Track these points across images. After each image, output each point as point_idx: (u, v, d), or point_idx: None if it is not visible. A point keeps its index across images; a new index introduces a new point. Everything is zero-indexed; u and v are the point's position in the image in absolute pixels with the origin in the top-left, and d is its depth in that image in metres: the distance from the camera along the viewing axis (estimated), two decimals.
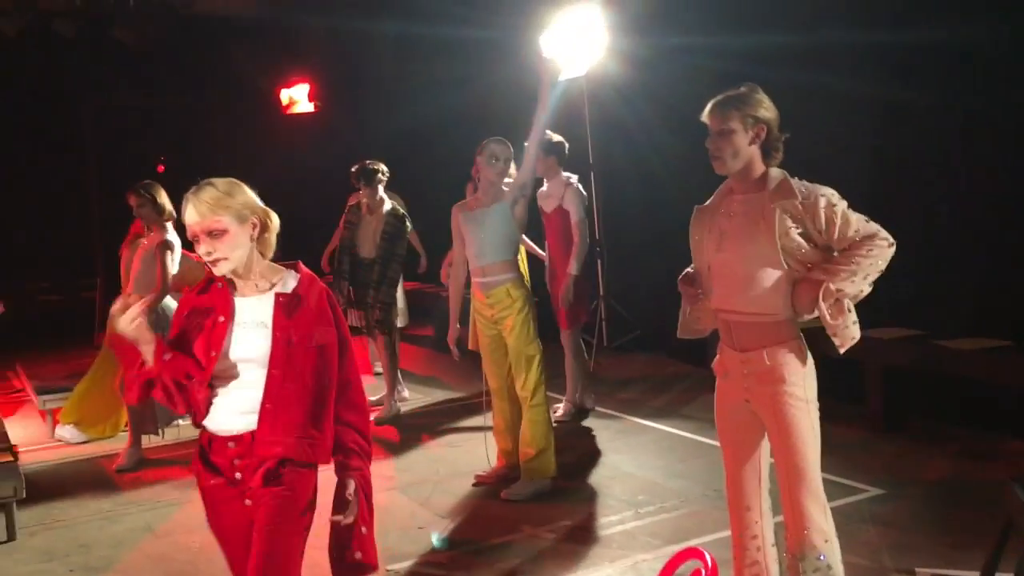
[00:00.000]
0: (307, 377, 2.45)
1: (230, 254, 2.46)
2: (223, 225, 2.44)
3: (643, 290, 8.19)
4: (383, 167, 6.45)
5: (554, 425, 5.75)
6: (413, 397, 6.92)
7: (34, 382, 6.93)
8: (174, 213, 5.66)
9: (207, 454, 2.53)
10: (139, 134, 11.02)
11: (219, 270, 2.48)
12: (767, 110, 2.84)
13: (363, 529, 2.50)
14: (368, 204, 6.47)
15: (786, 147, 2.88)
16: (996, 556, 3.30)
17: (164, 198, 5.60)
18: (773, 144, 2.85)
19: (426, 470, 5.35)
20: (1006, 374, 4.93)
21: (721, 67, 5.72)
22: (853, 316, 2.84)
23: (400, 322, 7.02)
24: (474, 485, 5.01)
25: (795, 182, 2.82)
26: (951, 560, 3.66)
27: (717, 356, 3.05)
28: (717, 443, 5.40)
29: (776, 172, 2.86)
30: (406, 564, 4.03)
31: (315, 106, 11.65)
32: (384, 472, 5.35)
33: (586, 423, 6.04)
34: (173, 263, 5.54)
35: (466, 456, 5.50)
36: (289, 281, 2.55)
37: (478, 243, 4.82)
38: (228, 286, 2.52)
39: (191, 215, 2.45)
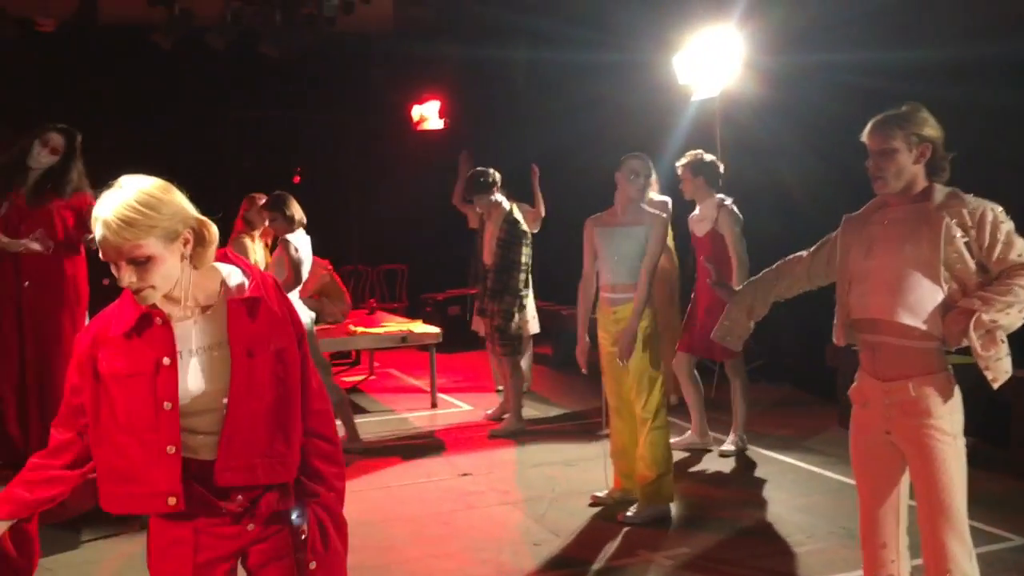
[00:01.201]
0: (268, 388, 2.06)
1: (158, 282, 1.98)
2: (147, 251, 1.94)
3: (769, 318, 7.93)
4: (492, 174, 6.35)
5: (729, 456, 5.64)
6: (531, 415, 6.89)
7: None
8: (304, 220, 5.85)
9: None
10: (278, 145, 11.44)
11: (145, 300, 2.00)
12: (932, 128, 2.74)
13: (311, 565, 2.11)
14: (485, 211, 6.47)
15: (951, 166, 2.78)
16: None
17: (294, 209, 5.81)
18: (939, 163, 2.75)
19: (542, 487, 5.31)
20: None
21: (867, 84, 5.51)
22: (1006, 348, 2.68)
23: (532, 328, 6.89)
24: (590, 505, 4.94)
25: (962, 194, 2.72)
26: None
27: (855, 383, 2.93)
28: (845, 479, 5.23)
29: (941, 187, 2.76)
30: None
31: (444, 123, 11.85)
32: (500, 486, 5.35)
33: (706, 452, 5.88)
34: (298, 254, 5.73)
35: (583, 475, 5.43)
36: (235, 280, 2.12)
37: (612, 260, 4.76)
38: (166, 318, 2.04)
39: (104, 237, 1.92)
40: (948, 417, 2.70)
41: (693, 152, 5.73)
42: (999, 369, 2.67)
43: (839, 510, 4.74)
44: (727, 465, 5.60)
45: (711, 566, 4.09)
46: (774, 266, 3.21)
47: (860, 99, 6.54)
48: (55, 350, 4.70)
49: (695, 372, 5.95)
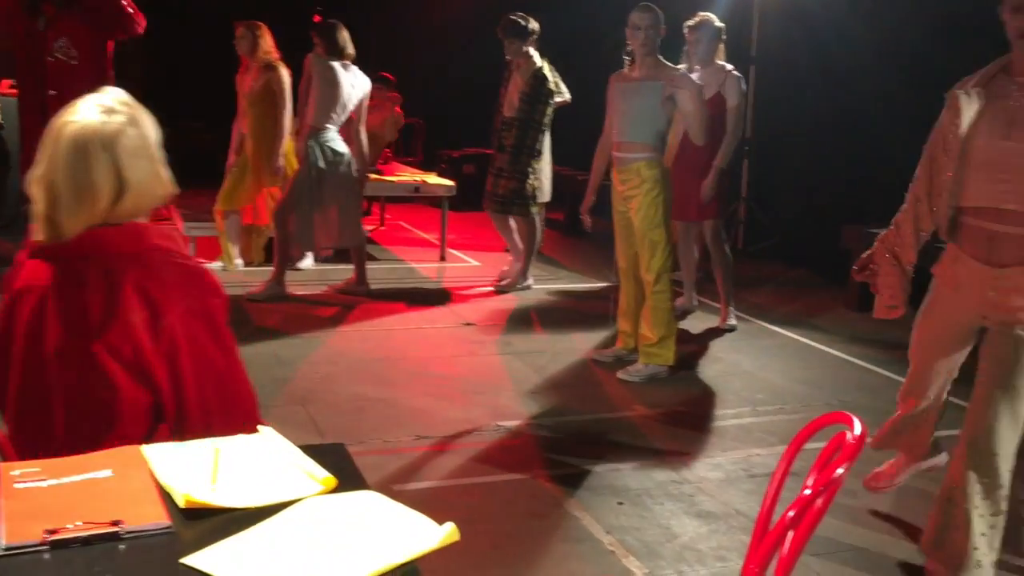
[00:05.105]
0: None
1: None
2: None
3: (788, 197, 7.85)
4: (530, 22, 6.10)
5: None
6: (539, 275, 6.88)
7: (181, 211, 7.22)
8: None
9: None
10: None
11: None
12: None
13: None
14: (515, 60, 6.27)
15: None
16: None
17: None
18: None
19: (545, 341, 5.35)
20: None
21: None
22: None
23: (543, 196, 6.62)
24: (591, 361, 4.98)
25: None
26: None
27: (945, 265, 2.75)
28: (846, 356, 5.27)
29: None
30: (515, 423, 4.06)
31: None
32: (502, 338, 5.39)
33: (708, 320, 5.88)
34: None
35: (586, 333, 5.47)
36: None
37: (619, 117, 4.66)
38: None
39: None
40: None
41: (703, 14, 5.48)
42: None
43: (839, 385, 4.78)
44: (731, 335, 5.62)
45: (705, 424, 4.16)
46: (902, 213, 2.84)
47: None
48: None
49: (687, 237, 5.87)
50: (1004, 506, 2.64)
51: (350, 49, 5.82)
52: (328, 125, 5.77)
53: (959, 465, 2.69)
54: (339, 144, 5.84)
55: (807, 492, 1.47)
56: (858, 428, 1.53)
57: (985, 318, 2.66)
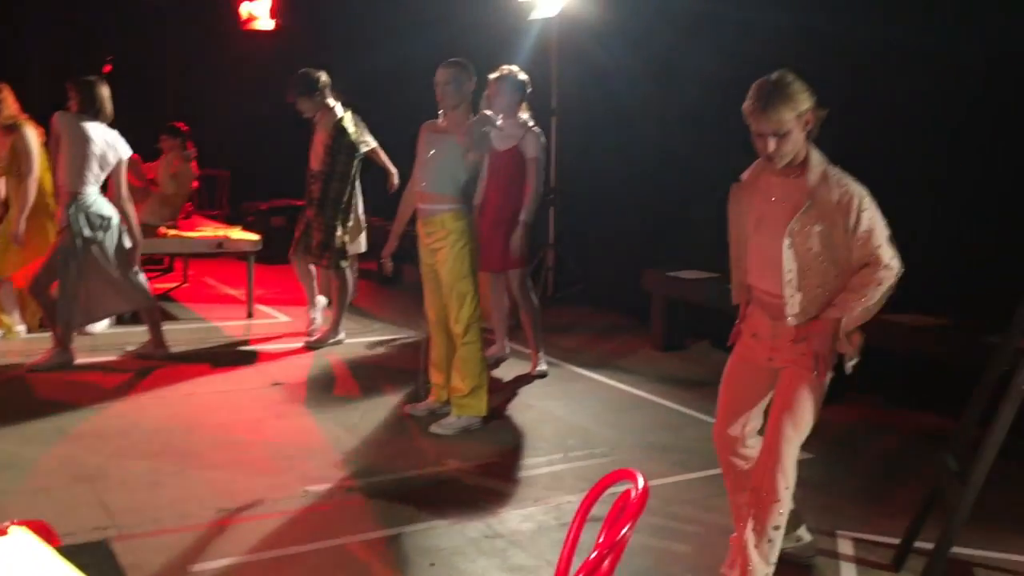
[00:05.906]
0: None
1: None
2: None
3: (593, 243, 8.11)
4: (318, 75, 6.02)
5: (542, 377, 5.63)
6: (351, 328, 6.75)
7: None
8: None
9: None
10: (89, 29, 10.50)
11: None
12: (809, 96, 2.81)
13: None
14: (314, 116, 6.17)
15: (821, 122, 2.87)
16: (919, 523, 3.32)
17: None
18: (817, 124, 2.85)
19: (357, 398, 5.22)
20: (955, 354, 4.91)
21: (701, 8, 5.53)
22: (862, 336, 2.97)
23: (357, 248, 6.48)
24: (405, 416, 4.90)
25: (833, 174, 2.85)
26: (877, 526, 3.66)
27: (748, 317, 3.13)
28: (654, 397, 5.45)
29: (816, 159, 2.87)
30: (325, 487, 3.92)
31: (276, 24, 11.24)
32: (312, 396, 5.23)
33: (520, 367, 5.94)
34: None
35: (398, 387, 5.39)
36: None
37: (424, 167, 4.67)
38: None
39: None
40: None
41: (508, 67, 5.61)
42: (857, 353, 2.95)
43: (646, 426, 4.91)
44: (542, 381, 5.69)
45: (519, 475, 4.15)
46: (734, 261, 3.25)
47: (693, 24, 6.60)
48: None
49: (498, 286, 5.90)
50: (778, 521, 2.93)
51: (108, 108, 5.44)
52: (86, 189, 5.34)
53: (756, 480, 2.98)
54: (103, 207, 5.43)
55: (593, 555, 1.47)
56: (641, 484, 1.55)
57: (771, 360, 3.04)
